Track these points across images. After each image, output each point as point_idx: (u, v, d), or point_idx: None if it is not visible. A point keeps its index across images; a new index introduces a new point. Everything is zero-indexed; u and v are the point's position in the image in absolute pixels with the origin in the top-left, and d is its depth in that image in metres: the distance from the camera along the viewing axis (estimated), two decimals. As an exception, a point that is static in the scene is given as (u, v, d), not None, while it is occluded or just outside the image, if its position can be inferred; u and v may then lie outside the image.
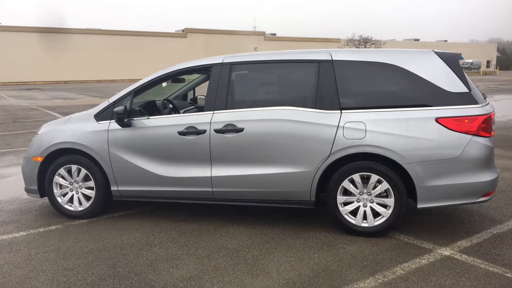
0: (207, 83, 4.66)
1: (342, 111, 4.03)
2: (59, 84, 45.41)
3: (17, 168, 7.08)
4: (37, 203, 5.33)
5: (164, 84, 5.23)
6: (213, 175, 4.33)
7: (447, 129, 3.83)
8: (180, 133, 4.36)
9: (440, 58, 4.03)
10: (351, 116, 4.00)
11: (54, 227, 4.53)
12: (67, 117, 5.03)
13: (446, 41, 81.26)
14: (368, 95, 4.12)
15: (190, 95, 6.38)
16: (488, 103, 4.09)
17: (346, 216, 4.11)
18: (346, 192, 4.10)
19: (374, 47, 54.88)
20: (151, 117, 4.58)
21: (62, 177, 4.75)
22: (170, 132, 4.41)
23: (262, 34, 64.82)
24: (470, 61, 66.35)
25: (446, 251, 3.76)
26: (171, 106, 5.44)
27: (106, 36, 53.58)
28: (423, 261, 3.59)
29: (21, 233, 4.38)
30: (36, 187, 4.84)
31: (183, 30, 59.08)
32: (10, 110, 17.73)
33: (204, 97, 4.75)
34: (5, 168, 7.33)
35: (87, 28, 53.82)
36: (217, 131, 4.26)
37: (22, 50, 46.97)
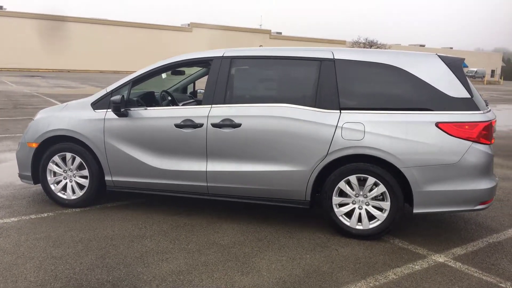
0: (207, 76, 4.61)
1: (342, 111, 3.98)
2: (62, 72, 45.38)
3: (13, 153, 7.01)
4: (31, 190, 5.29)
5: (163, 75, 5.18)
6: (208, 169, 4.28)
7: (447, 134, 3.77)
8: (177, 126, 4.31)
9: (443, 62, 3.97)
10: (350, 117, 3.94)
11: (46, 215, 4.49)
12: (64, 104, 4.98)
13: (451, 48, 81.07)
14: (368, 96, 4.07)
15: (190, 89, 6.34)
16: (489, 110, 4.03)
17: (340, 218, 4.06)
18: (342, 194, 4.05)
19: (379, 51, 54.67)
20: (148, 108, 4.53)
21: (56, 164, 4.70)
22: (167, 124, 4.36)
23: (268, 32, 64.73)
24: (475, 69, 66.26)
25: (440, 258, 3.71)
26: (169, 98, 5.38)
27: (111, 26, 53.52)
28: (416, 266, 3.54)
29: (12, 219, 4.33)
30: (30, 173, 4.79)
31: (188, 25, 59.01)
32: (11, 96, 17.68)
33: (203, 91, 4.71)
34: (1, 153, 7.29)
35: (92, 18, 53.73)
36: (214, 125, 4.21)
37: (26, 37, 46.88)
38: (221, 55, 4.41)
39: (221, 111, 4.24)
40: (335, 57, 4.12)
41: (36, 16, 48.21)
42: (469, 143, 3.76)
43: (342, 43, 64.14)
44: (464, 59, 4.17)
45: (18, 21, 47.54)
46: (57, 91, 21.23)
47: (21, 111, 12.99)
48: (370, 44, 59.06)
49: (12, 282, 3.09)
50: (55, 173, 4.74)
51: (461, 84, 3.87)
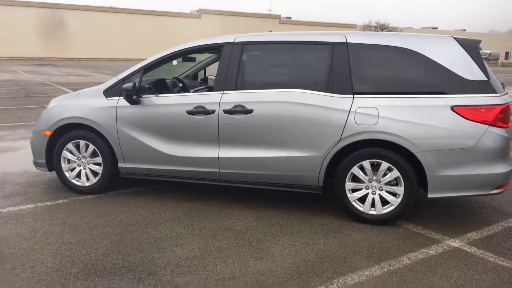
0: (218, 63, 4.58)
1: (355, 95, 3.93)
2: (73, 61, 45.57)
3: (27, 141, 7.09)
4: (45, 177, 5.35)
5: (174, 62, 5.16)
6: (220, 156, 4.28)
7: (463, 118, 3.71)
8: (189, 113, 4.31)
9: (460, 44, 3.89)
10: (363, 101, 3.90)
11: (61, 201, 4.54)
12: (76, 92, 5.00)
13: (465, 30, 79.71)
14: (382, 80, 4.01)
15: (200, 75, 6.31)
16: (506, 93, 3.96)
17: (354, 203, 4.04)
18: (355, 179, 4.02)
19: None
20: (160, 95, 4.53)
21: (70, 152, 4.74)
22: (179, 111, 4.36)
23: (277, 17, 64.15)
24: (488, 51, 64.97)
25: (455, 243, 3.69)
26: (181, 85, 5.37)
27: (120, 14, 53.46)
28: (430, 251, 3.52)
29: (28, 206, 4.39)
30: (44, 161, 4.84)
31: (197, 11, 58.67)
32: (23, 85, 17.83)
33: (214, 77, 4.69)
34: (15, 141, 7.38)
35: (101, 6, 53.68)
36: (226, 111, 4.20)
37: (37, 26, 47.03)
38: (232, 41, 4.38)
39: (232, 97, 4.22)
40: (348, 41, 4.06)
41: (45, 5, 48.32)
42: (485, 126, 3.70)
43: (353, 27, 63.37)
44: (480, 41, 4.08)
45: (28, 11, 47.68)
46: (69, 79, 21.36)
47: (34, 99, 13.10)
48: (382, 28, 58.34)
49: (30, 268, 3.15)
50: (69, 161, 4.78)
51: (477, 67, 3.80)
